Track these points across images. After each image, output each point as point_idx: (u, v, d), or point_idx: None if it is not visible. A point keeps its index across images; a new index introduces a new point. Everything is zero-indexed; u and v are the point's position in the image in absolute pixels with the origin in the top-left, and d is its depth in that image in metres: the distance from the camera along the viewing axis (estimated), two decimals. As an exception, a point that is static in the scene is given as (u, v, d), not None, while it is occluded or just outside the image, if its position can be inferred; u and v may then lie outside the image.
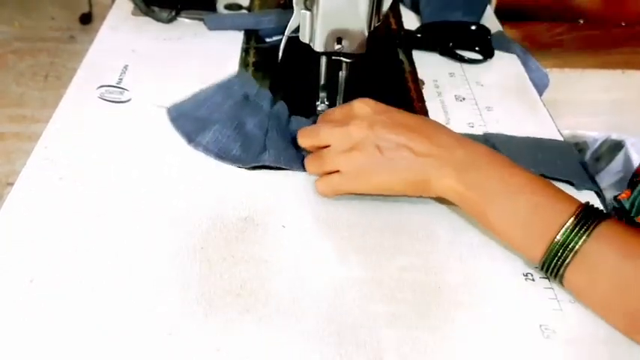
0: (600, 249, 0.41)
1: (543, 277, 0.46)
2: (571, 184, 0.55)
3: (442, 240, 0.49)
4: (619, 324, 0.42)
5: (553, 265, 0.42)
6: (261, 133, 0.56)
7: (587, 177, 0.56)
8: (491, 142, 0.58)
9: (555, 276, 0.43)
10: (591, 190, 0.55)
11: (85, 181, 0.52)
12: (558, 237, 0.42)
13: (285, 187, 0.53)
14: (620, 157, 1.11)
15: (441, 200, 0.52)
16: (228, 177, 0.54)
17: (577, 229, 0.42)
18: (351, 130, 0.49)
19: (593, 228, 0.41)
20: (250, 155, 0.55)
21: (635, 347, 0.42)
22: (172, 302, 0.43)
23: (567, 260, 0.42)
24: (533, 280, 0.46)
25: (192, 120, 0.58)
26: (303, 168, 0.54)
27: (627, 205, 0.52)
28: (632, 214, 0.51)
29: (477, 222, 0.50)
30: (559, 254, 0.42)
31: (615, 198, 0.55)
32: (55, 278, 0.44)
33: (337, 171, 0.50)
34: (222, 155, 0.55)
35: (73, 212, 0.49)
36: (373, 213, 0.51)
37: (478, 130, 0.62)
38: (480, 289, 0.45)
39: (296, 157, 0.55)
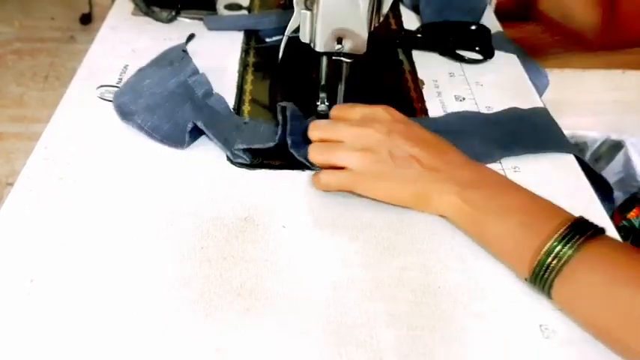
0: (586, 266, 0.41)
1: (543, 277, 0.46)
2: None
3: (442, 240, 0.49)
4: (606, 342, 0.41)
5: (540, 278, 0.42)
6: (194, 114, 0.58)
7: (565, 140, 0.59)
8: (467, 121, 0.60)
9: (543, 289, 0.43)
10: (570, 153, 0.57)
11: (85, 181, 0.52)
12: (544, 250, 0.42)
13: (285, 187, 0.53)
14: (620, 158, 1.11)
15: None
16: (228, 177, 0.54)
17: (564, 242, 0.41)
18: (370, 131, 0.49)
19: (582, 243, 0.41)
20: (179, 131, 0.56)
21: (635, 347, 0.42)
22: (172, 302, 0.43)
23: (553, 274, 0.41)
24: (533, 280, 0.46)
25: (130, 98, 0.60)
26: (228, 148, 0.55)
27: (637, 224, 0.52)
28: None
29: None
30: (544, 268, 0.42)
31: (625, 217, 0.55)
32: (55, 278, 0.44)
33: (342, 168, 0.50)
34: (153, 133, 0.56)
35: (73, 212, 0.49)
36: (373, 213, 0.51)
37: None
38: (480, 289, 0.45)
39: (222, 133, 0.56)
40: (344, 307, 0.43)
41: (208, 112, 0.60)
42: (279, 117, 0.55)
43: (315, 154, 0.51)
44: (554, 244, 0.41)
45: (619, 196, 0.86)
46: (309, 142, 0.53)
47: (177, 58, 0.65)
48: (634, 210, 0.53)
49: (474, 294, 0.45)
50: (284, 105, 0.55)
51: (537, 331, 0.43)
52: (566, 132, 0.62)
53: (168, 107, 0.59)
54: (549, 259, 0.41)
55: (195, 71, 0.64)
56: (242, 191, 0.52)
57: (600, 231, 0.42)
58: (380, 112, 0.52)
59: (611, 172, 1.08)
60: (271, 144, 0.54)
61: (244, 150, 0.55)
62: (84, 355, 0.39)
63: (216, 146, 0.56)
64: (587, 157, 1.12)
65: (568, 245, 0.41)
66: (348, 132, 0.50)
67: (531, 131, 0.60)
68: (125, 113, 0.58)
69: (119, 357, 0.39)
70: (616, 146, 1.14)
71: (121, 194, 0.51)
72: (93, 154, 0.55)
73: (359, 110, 0.53)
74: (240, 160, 0.55)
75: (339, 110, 0.54)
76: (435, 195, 0.48)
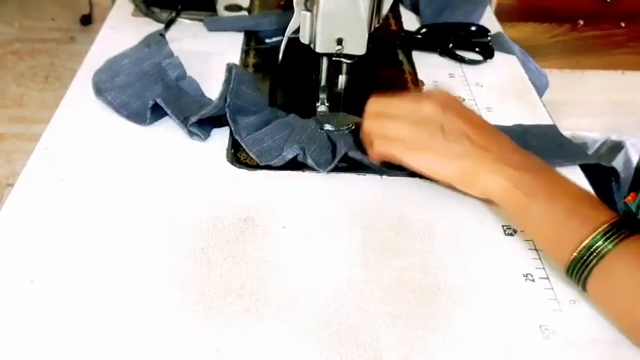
0: (623, 261, 0.41)
1: (543, 278, 0.46)
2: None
3: (442, 240, 0.49)
4: (634, 338, 0.42)
5: (577, 269, 0.43)
6: (161, 94, 0.59)
7: (582, 153, 0.58)
8: None
9: (579, 281, 0.43)
10: (590, 161, 0.57)
11: (85, 182, 0.52)
12: (586, 242, 0.42)
13: (285, 187, 0.53)
14: (620, 158, 1.11)
15: (441, 200, 0.52)
16: (228, 177, 0.54)
17: (606, 237, 0.42)
18: (424, 105, 0.50)
19: (622, 239, 0.41)
20: (145, 109, 0.58)
21: (635, 348, 0.42)
22: (172, 302, 0.43)
23: (591, 267, 0.42)
24: (533, 280, 0.46)
25: (107, 76, 0.62)
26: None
27: (634, 208, 0.52)
28: (638, 217, 0.52)
29: (479, 222, 0.50)
30: (584, 260, 0.42)
31: (623, 201, 0.55)
32: (55, 279, 0.44)
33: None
34: (121, 109, 0.59)
35: (73, 213, 0.49)
36: (373, 213, 0.51)
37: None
38: (480, 289, 0.45)
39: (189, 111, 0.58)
40: (344, 307, 0.43)
41: (177, 92, 0.62)
42: (226, 74, 0.58)
43: (370, 124, 0.52)
44: (597, 237, 0.42)
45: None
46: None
47: (154, 41, 0.67)
48: (631, 194, 0.53)
49: (474, 294, 0.45)
50: (232, 65, 0.58)
51: (537, 331, 0.43)
52: (566, 133, 0.62)
53: (139, 86, 0.61)
54: (589, 252, 0.42)
55: (170, 54, 0.66)
56: (242, 191, 0.52)
57: (636, 231, 0.42)
58: (436, 91, 0.52)
59: (611, 173, 1.08)
60: (216, 109, 0.56)
61: (202, 126, 0.57)
62: (84, 356, 0.39)
63: (214, 146, 0.56)
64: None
65: (609, 240, 0.41)
66: (403, 106, 0.51)
67: (547, 143, 0.59)
68: (100, 90, 0.61)
69: (119, 357, 0.39)
70: (616, 147, 1.14)
71: (121, 195, 0.51)
72: (93, 155, 0.55)
73: (414, 93, 0.54)
74: (196, 138, 0.57)
75: (380, 103, 0.54)
76: (484, 174, 0.48)
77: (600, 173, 0.57)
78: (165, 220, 0.49)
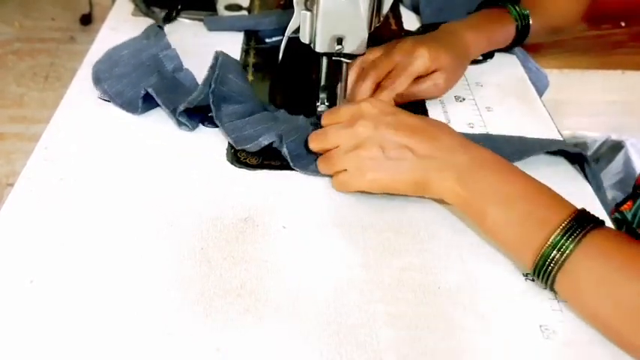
0: (589, 258, 0.41)
1: (543, 278, 0.46)
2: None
3: (442, 240, 0.49)
4: (608, 335, 0.42)
5: (543, 271, 0.42)
6: (155, 84, 0.60)
7: (546, 142, 0.58)
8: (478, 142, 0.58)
9: (546, 282, 0.43)
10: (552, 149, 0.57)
11: (85, 181, 0.52)
12: (548, 243, 0.42)
13: (285, 187, 0.53)
14: (620, 158, 1.11)
15: (441, 201, 0.52)
16: (228, 177, 0.54)
17: (567, 235, 0.41)
18: (357, 130, 0.50)
19: (584, 235, 0.41)
20: (138, 99, 0.59)
21: (635, 347, 0.42)
22: (172, 302, 0.43)
23: (556, 267, 0.41)
24: (533, 280, 0.46)
25: (107, 66, 0.64)
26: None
27: (629, 217, 0.52)
28: (634, 225, 0.52)
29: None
30: (548, 261, 0.42)
31: (617, 209, 0.55)
32: (55, 279, 0.44)
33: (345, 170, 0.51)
34: (115, 98, 0.60)
35: (73, 213, 0.49)
36: (373, 213, 0.51)
37: (478, 131, 0.62)
38: (480, 289, 0.45)
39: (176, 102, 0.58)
40: (344, 307, 0.43)
41: (171, 83, 0.62)
42: (212, 61, 0.58)
43: (322, 168, 0.53)
44: (558, 237, 0.41)
45: (619, 196, 0.86)
46: (309, 151, 0.54)
47: (153, 33, 0.68)
48: (627, 203, 0.53)
49: (474, 294, 0.45)
50: (219, 52, 0.59)
51: (537, 331, 0.43)
52: (566, 132, 0.62)
53: (135, 77, 0.62)
54: (553, 253, 0.41)
55: (167, 46, 0.66)
56: (242, 191, 0.52)
57: (600, 223, 0.42)
58: (365, 107, 0.51)
59: (611, 173, 1.08)
60: (201, 96, 0.56)
61: (191, 117, 0.58)
62: (84, 355, 0.39)
63: (214, 146, 0.56)
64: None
65: (571, 239, 0.41)
66: (339, 135, 0.51)
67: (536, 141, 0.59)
68: (98, 79, 0.62)
69: (119, 357, 0.39)
70: (616, 146, 1.14)
71: (121, 195, 0.51)
72: (93, 155, 0.55)
73: (345, 111, 0.53)
74: (184, 128, 0.58)
75: (326, 117, 0.54)
76: (434, 182, 0.48)
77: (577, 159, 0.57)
78: (165, 220, 0.49)
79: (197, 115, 0.59)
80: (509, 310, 0.44)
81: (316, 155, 0.54)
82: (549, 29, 0.73)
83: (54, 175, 0.53)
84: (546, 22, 0.72)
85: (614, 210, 0.59)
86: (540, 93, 0.73)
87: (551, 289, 0.43)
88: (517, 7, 0.69)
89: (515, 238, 0.45)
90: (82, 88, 0.64)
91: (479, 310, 0.44)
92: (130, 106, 0.60)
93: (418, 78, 0.61)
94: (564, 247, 0.41)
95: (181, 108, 0.56)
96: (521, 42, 0.71)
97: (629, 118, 1.27)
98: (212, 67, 0.58)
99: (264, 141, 0.54)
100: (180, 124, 0.58)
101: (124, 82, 0.61)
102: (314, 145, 0.53)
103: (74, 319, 0.41)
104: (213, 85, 0.57)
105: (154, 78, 0.62)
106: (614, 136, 1.15)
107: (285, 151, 0.53)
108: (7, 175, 1.57)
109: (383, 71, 0.61)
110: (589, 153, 1.14)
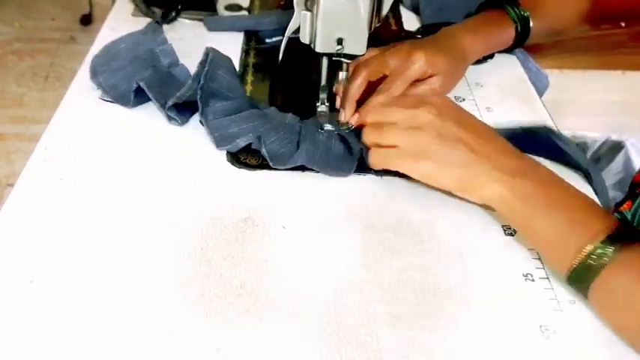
0: (623, 270, 0.41)
1: (543, 278, 0.46)
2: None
3: (442, 240, 0.49)
4: (635, 347, 0.42)
5: (578, 281, 0.42)
6: (149, 78, 0.60)
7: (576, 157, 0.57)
8: None
9: (580, 288, 0.43)
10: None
11: (85, 182, 0.52)
12: (588, 249, 0.42)
13: (285, 187, 0.53)
14: (620, 158, 1.11)
15: (441, 201, 0.52)
16: (228, 177, 0.54)
17: (607, 244, 0.41)
18: (421, 112, 0.50)
19: (622, 247, 0.41)
20: (131, 92, 0.59)
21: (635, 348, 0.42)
22: (172, 302, 0.43)
23: (590, 279, 0.42)
24: (533, 280, 0.46)
25: (104, 59, 0.64)
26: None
27: (629, 216, 0.52)
28: (634, 224, 0.52)
29: (477, 223, 0.50)
30: (584, 273, 0.42)
31: (617, 210, 0.55)
32: (55, 279, 0.44)
33: (394, 147, 0.50)
34: (109, 91, 0.61)
35: (73, 213, 0.49)
36: (373, 213, 0.51)
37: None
38: (480, 289, 0.45)
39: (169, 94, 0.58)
40: (344, 307, 0.43)
41: (165, 78, 0.63)
42: (202, 57, 0.58)
43: (369, 136, 0.52)
44: (598, 245, 0.41)
45: (619, 197, 0.86)
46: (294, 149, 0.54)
47: (150, 29, 0.69)
48: (627, 202, 0.53)
49: (474, 294, 0.45)
50: (209, 49, 0.59)
51: (537, 331, 0.43)
52: (566, 132, 0.61)
53: (130, 70, 0.62)
54: (591, 260, 0.41)
55: (164, 41, 0.67)
56: (242, 191, 0.52)
57: (633, 238, 0.42)
58: (433, 97, 0.52)
59: (611, 173, 1.08)
60: (190, 91, 0.56)
61: (181, 112, 0.58)
62: (84, 355, 0.39)
63: (214, 146, 0.56)
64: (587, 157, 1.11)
65: (610, 248, 0.41)
66: (399, 113, 0.51)
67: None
68: (95, 72, 0.63)
69: (119, 357, 0.39)
70: (616, 147, 1.14)
71: (121, 195, 0.51)
72: (93, 155, 0.55)
73: (410, 98, 0.53)
74: (174, 123, 0.58)
75: (389, 101, 0.54)
76: (482, 182, 0.47)
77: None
78: (165, 220, 0.49)
79: (188, 110, 0.59)
80: (509, 310, 0.44)
81: (305, 152, 0.54)
82: (550, 31, 0.73)
83: (54, 176, 0.53)
84: (547, 24, 0.71)
85: (614, 210, 0.59)
86: (540, 93, 0.73)
87: (585, 296, 0.43)
88: (516, 9, 0.69)
89: (556, 244, 0.44)
90: (82, 88, 0.64)
91: (479, 310, 0.44)
92: (122, 99, 0.60)
93: (415, 82, 0.61)
94: (603, 256, 0.41)
95: (170, 103, 0.57)
96: (521, 44, 0.71)
97: (630, 118, 1.26)
98: (202, 63, 0.58)
99: (242, 142, 0.54)
100: (169, 118, 0.58)
101: (119, 76, 0.62)
102: (369, 117, 0.53)
103: (74, 319, 0.41)
104: (202, 81, 0.57)
105: (148, 72, 0.62)
106: (615, 137, 1.15)
107: (264, 151, 0.54)
108: (7, 176, 1.57)
109: (374, 69, 0.60)
110: (589, 153, 1.14)
